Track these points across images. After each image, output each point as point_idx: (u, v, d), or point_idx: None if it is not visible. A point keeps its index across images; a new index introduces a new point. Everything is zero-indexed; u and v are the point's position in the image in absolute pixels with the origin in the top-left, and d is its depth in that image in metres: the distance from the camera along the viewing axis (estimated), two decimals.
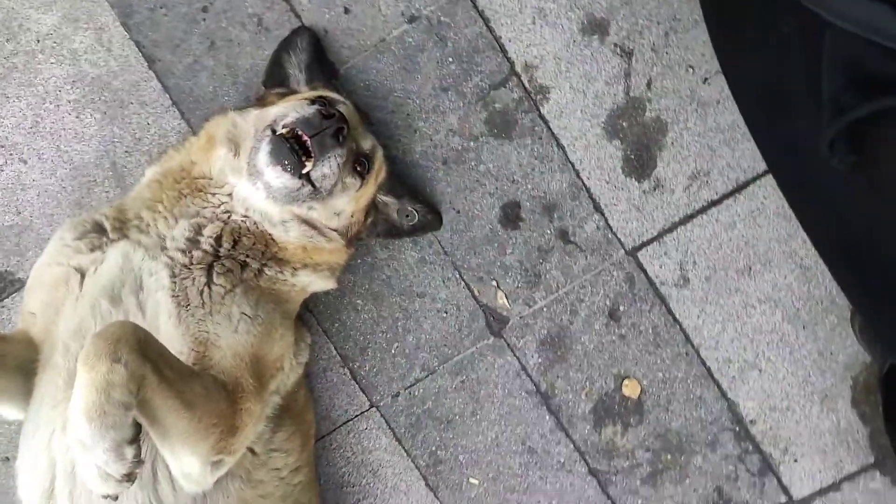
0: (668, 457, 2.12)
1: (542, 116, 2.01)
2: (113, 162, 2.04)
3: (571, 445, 2.12)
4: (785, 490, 2.12)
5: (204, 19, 1.99)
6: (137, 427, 1.29)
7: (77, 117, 2.02)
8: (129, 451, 1.25)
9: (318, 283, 1.87)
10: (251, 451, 1.71)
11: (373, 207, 1.92)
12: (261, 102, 1.87)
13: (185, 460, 1.45)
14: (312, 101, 1.71)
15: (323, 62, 1.97)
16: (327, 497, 2.14)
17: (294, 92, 1.89)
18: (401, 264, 2.08)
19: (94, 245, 1.67)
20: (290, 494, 1.82)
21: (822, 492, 2.12)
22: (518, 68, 2.00)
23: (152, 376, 1.31)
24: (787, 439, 2.11)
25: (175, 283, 1.60)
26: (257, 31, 1.99)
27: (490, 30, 1.99)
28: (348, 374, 2.11)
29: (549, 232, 2.05)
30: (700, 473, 2.13)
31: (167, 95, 2.02)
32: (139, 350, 1.29)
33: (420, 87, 2.01)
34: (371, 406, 2.13)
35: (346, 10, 2.00)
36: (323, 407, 2.13)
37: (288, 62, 1.93)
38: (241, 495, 1.68)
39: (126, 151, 2.04)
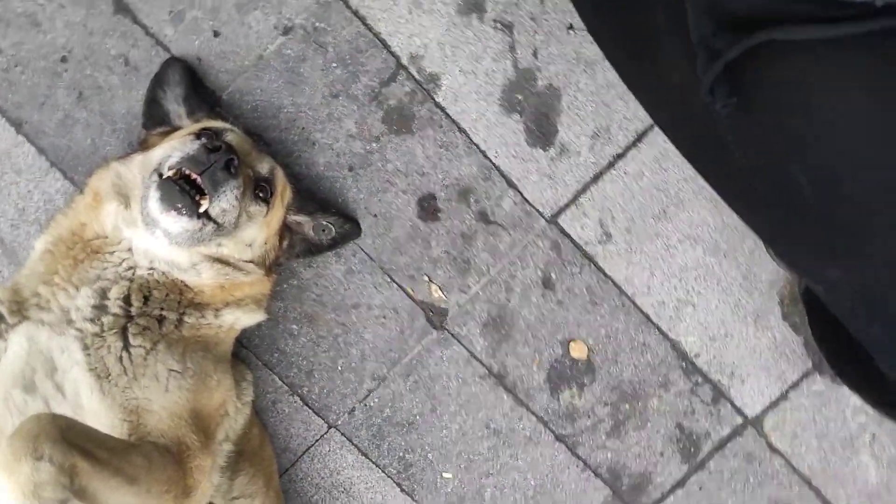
0: (627, 406, 2.16)
1: (438, 105, 1.98)
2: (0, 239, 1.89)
3: (534, 418, 2.13)
4: (739, 411, 2.20)
5: (65, 70, 1.86)
6: None
7: None
8: None
9: (246, 318, 1.79)
10: None
11: (286, 230, 1.84)
12: (144, 146, 1.76)
13: None
14: (197, 136, 1.62)
15: (201, 91, 1.87)
16: None
17: (177, 128, 1.79)
18: (328, 280, 2.02)
19: None
20: None
21: (773, 405, 2.21)
22: (404, 61, 1.96)
23: (83, 463, 1.17)
24: (732, 364, 2.18)
25: (90, 355, 1.49)
26: (126, 72, 1.87)
27: (368, 27, 1.93)
28: (299, 400, 2.05)
29: (468, 217, 2.03)
30: (659, 415, 2.18)
31: (43, 157, 1.88)
32: (62, 440, 1.16)
33: (309, 98, 1.94)
34: (329, 427, 2.07)
35: (216, 34, 1.90)
36: (280, 439, 2.06)
37: (164, 98, 1.82)
38: None
39: (12, 225, 1.89)
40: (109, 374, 1.48)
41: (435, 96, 1.98)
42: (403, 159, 1.99)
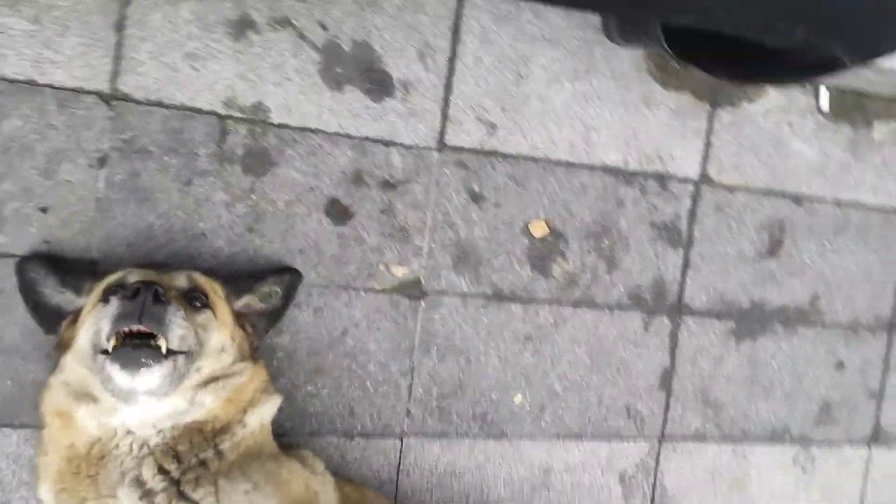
0: (605, 242, 1.87)
1: (278, 126, 1.60)
2: None
3: (546, 305, 1.82)
4: (685, 180, 1.94)
5: None
6: None
7: None
8: None
9: (267, 409, 1.44)
10: None
11: (240, 317, 1.47)
12: (63, 347, 1.36)
13: None
14: (104, 298, 1.27)
15: (72, 266, 1.45)
16: None
17: (79, 311, 1.38)
18: (306, 330, 1.64)
19: None
20: None
21: (705, 156, 1.96)
22: (222, 112, 1.56)
23: None
24: (654, 150, 1.90)
25: None
26: None
27: (170, 107, 1.52)
28: (361, 440, 1.70)
29: (374, 193, 1.67)
30: (633, 229, 1.89)
31: None
32: None
33: (168, 201, 1.53)
34: (401, 439, 1.73)
35: (44, 210, 1.47)
36: (373, 480, 1.72)
37: (45, 297, 1.41)
38: None
39: None
40: None
41: (271, 121, 1.59)
42: (286, 189, 1.61)
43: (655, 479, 1.94)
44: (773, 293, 2.02)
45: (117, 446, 1.25)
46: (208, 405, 1.31)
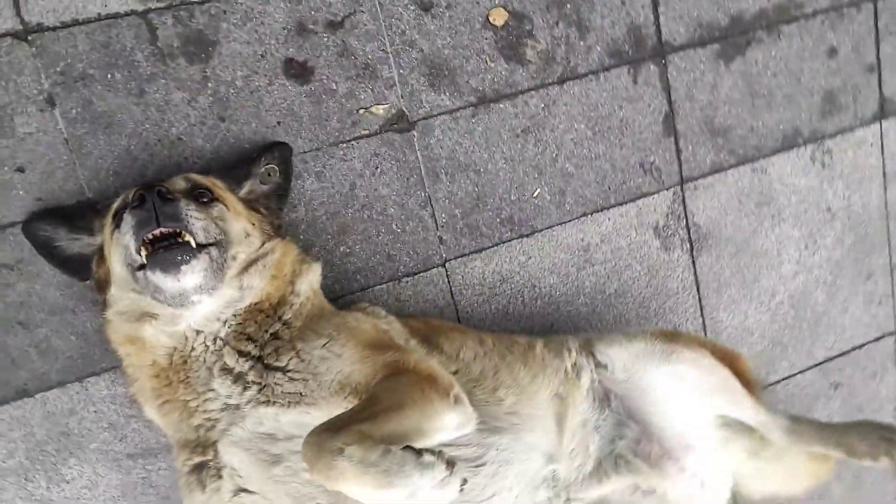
0: (569, 6, 1.80)
1: (201, 2, 1.51)
2: None
3: (533, 92, 1.80)
4: None
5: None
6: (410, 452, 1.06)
7: None
8: (433, 465, 1.05)
9: (311, 277, 1.50)
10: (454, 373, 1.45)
11: (251, 203, 1.49)
12: (101, 281, 1.40)
13: (437, 423, 1.23)
14: (117, 223, 1.29)
15: (74, 212, 1.46)
16: None
17: (99, 248, 1.41)
18: (315, 198, 1.67)
19: (204, 483, 1.28)
20: (493, 359, 1.54)
21: None
22: (139, 7, 1.48)
23: (362, 426, 1.08)
24: None
25: (277, 403, 1.27)
26: (29, 315, 1.46)
27: (85, 23, 1.44)
28: (408, 280, 1.77)
29: (324, 40, 1.61)
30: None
31: (63, 391, 1.52)
32: (337, 432, 1.07)
33: (132, 117, 1.50)
34: (443, 265, 1.80)
35: (21, 170, 1.45)
36: (432, 311, 1.80)
37: (62, 250, 1.44)
38: (482, 397, 1.44)
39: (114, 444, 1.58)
40: (303, 393, 1.26)
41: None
42: (237, 65, 1.56)
43: (687, 220, 2.02)
44: (747, 1, 1.97)
45: (193, 348, 1.32)
46: (257, 286, 1.37)
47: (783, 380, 2.18)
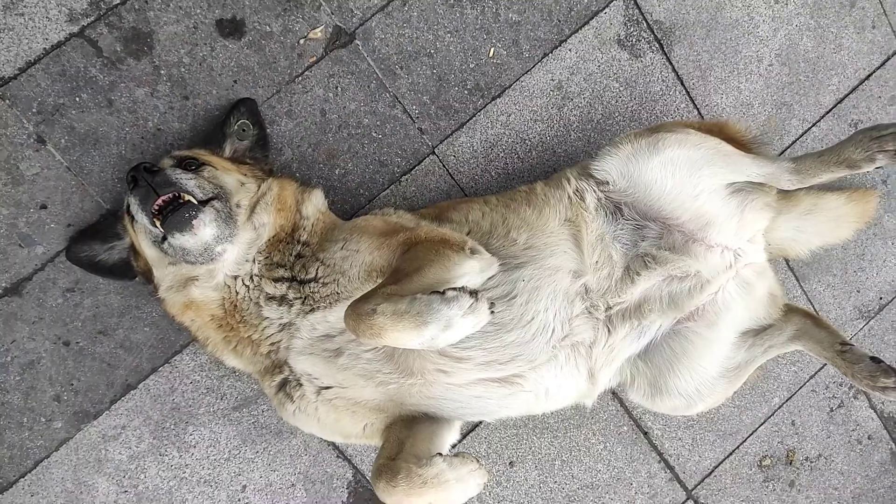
0: None
1: (122, 2, 1.66)
2: None
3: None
4: None
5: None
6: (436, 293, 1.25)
7: None
8: (458, 297, 1.24)
9: (315, 201, 1.68)
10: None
11: (237, 160, 1.68)
12: (145, 272, 1.63)
13: (457, 271, 1.41)
14: (128, 209, 1.51)
15: (103, 224, 1.68)
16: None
17: (132, 245, 1.63)
18: (292, 134, 1.82)
19: (291, 394, 1.53)
20: (500, 211, 1.69)
21: None
22: (75, 29, 1.64)
23: (390, 288, 1.30)
24: None
25: (316, 309, 1.48)
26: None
27: (38, 61, 1.62)
28: (405, 177, 1.91)
29: None
30: None
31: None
32: (368, 299, 1.28)
33: (111, 126, 1.69)
34: (433, 151, 1.93)
35: (44, 206, 1.67)
36: (440, 192, 1.95)
37: (104, 262, 1.67)
38: (497, 244, 1.62)
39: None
40: (338, 291, 1.47)
41: (114, 3, 1.65)
42: (178, 45, 1.71)
43: (647, 21, 2.05)
44: None
45: (237, 291, 1.53)
46: (268, 221, 1.55)
47: (799, 138, 2.22)
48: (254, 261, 1.53)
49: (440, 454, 1.35)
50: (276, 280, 1.52)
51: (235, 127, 1.70)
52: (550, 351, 1.54)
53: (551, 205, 1.67)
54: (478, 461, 1.36)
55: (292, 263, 1.54)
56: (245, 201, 1.55)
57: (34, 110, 1.64)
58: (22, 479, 1.73)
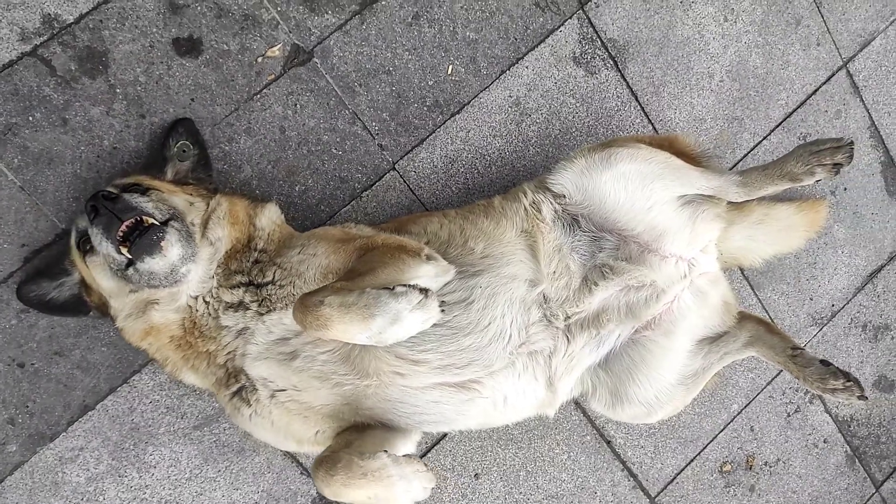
0: None
1: (77, 21, 1.67)
2: None
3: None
4: None
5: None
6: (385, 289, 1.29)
7: None
8: (406, 292, 1.28)
9: (268, 213, 1.68)
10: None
11: (181, 182, 1.68)
12: (100, 306, 1.62)
13: (410, 275, 1.44)
14: (83, 249, 1.53)
15: (50, 260, 1.67)
16: None
17: (82, 280, 1.61)
18: (251, 151, 1.83)
19: (247, 399, 1.54)
20: (458, 222, 1.72)
21: None
22: (27, 48, 1.64)
23: (340, 283, 1.34)
24: None
25: (273, 310, 1.49)
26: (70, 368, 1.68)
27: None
28: (365, 193, 1.94)
29: (198, 8, 1.75)
30: None
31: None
32: (317, 292, 1.31)
33: (66, 145, 1.68)
34: (393, 167, 1.96)
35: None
36: (401, 207, 1.98)
37: (54, 300, 1.64)
38: (454, 253, 1.64)
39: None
40: (294, 293, 1.48)
41: (67, 22, 1.66)
42: (133, 63, 1.72)
43: (601, 39, 2.12)
44: None
45: (196, 310, 1.53)
46: (223, 235, 1.56)
47: (751, 151, 2.30)
48: (213, 278, 1.54)
49: (385, 451, 1.34)
50: (233, 287, 1.52)
51: (175, 149, 1.69)
52: (507, 357, 1.57)
53: (508, 216, 1.70)
54: (425, 465, 1.36)
55: (249, 269, 1.55)
56: (197, 219, 1.56)
57: None
58: None
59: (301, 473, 1.93)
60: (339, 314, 1.22)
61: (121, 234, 1.40)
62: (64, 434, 1.74)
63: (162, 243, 1.41)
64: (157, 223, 1.43)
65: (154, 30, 1.72)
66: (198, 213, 1.56)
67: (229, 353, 1.50)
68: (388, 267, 1.39)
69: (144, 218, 1.42)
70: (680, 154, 1.77)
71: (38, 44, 1.65)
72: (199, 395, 1.82)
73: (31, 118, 1.66)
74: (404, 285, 1.27)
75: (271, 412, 1.51)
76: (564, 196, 1.72)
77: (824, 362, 1.67)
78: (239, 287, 1.51)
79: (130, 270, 1.44)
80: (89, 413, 1.75)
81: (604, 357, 1.74)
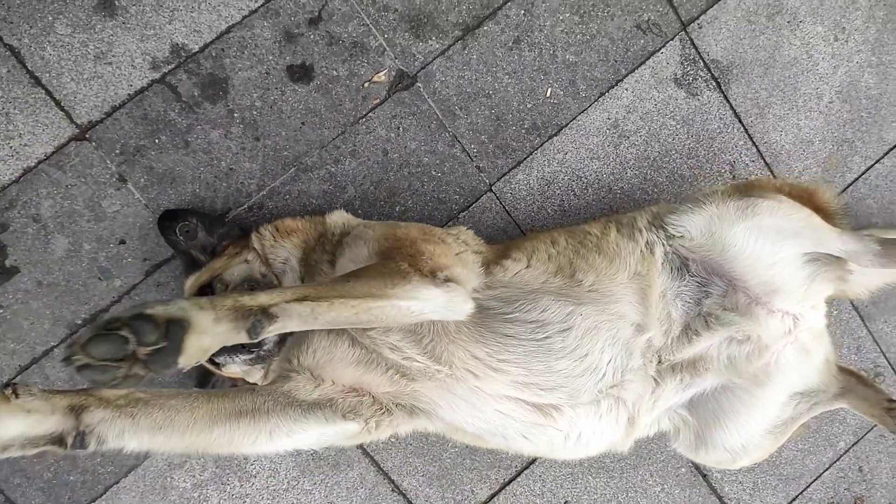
0: None
1: (201, 50, 1.76)
2: None
3: (513, 6, 1.93)
4: None
5: None
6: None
7: None
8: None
9: (333, 218, 1.70)
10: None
11: (214, 252, 1.70)
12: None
13: (419, 297, 1.32)
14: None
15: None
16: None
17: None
18: (355, 174, 1.88)
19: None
20: (568, 255, 1.64)
21: None
22: (157, 76, 1.74)
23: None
24: None
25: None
26: None
27: (122, 106, 1.73)
28: (463, 214, 1.95)
29: (311, 36, 1.82)
30: None
31: None
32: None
33: (186, 166, 1.78)
34: (490, 188, 1.97)
35: (123, 242, 1.77)
36: (498, 229, 1.98)
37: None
38: (558, 283, 1.57)
39: None
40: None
41: (193, 51, 1.76)
42: (251, 90, 1.80)
43: (703, 60, 2.07)
44: None
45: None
46: (287, 253, 1.63)
47: (861, 175, 2.19)
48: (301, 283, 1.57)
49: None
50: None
51: (181, 236, 1.68)
52: (596, 394, 1.50)
53: (622, 257, 1.61)
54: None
55: (328, 251, 1.57)
56: (261, 268, 1.61)
57: (117, 151, 1.75)
58: None
59: (392, 490, 1.94)
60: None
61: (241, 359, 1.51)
62: None
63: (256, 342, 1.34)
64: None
65: (270, 57, 1.80)
66: (256, 261, 1.61)
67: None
68: (378, 277, 1.29)
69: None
70: (818, 208, 1.66)
71: (166, 72, 1.75)
72: None
73: (157, 140, 1.77)
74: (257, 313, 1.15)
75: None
76: (684, 237, 1.62)
77: None
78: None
79: (261, 352, 1.53)
80: None
81: (689, 399, 1.66)
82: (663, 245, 1.63)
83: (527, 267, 1.58)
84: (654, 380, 1.58)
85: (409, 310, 1.29)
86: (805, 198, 1.67)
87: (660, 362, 1.59)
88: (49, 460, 1.78)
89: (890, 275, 1.97)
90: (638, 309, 1.56)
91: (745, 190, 1.64)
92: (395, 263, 1.33)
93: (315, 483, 1.90)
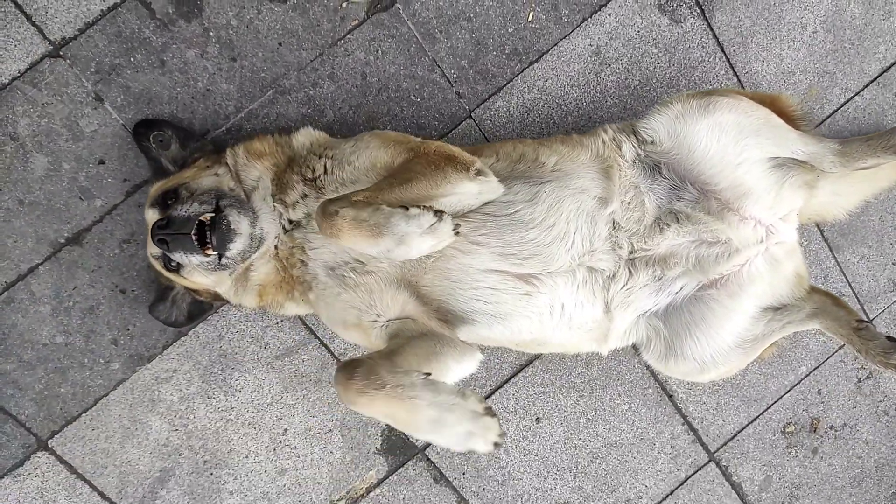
0: None
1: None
2: None
3: None
4: None
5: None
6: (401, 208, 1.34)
7: None
8: (420, 215, 1.34)
9: (302, 134, 1.71)
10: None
11: (186, 162, 1.70)
12: (214, 297, 1.75)
13: (449, 189, 1.47)
14: (168, 268, 1.63)
15: (156, 300, 1.79)
16: None
17: (182, 288, 1.76)
18: (334, 97, 1.88)
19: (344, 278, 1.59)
20: (531, 144, 1.71)
21: None
22: None
23: (362, 194, 1.38)
24: None
25: (330, 190, 1.56)
26: None
27: (96, 22, 1.70)
28: (444, 140, 1.96)
29: None
30: None
31: None
32: (336, 200, 1.38)
33: (163, 85, 1.76)
34: (469, 114, 1.97)
35: (102, 162, 1.77)
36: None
37: (168, 314, 1.79)
38: (523, 168, 1.65)
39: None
40: (344, 176, 1.55)
41: None
42: (226, 7, 1.77)
43: None
44: None
45: (280, 246, 1.60)
46: (257, 174, 1.63)
47: (840, 107, 2.19)
48: (274, 209, 1.59)
49: (427, 374, 1.24)
50: (295, 203, 1.57)
51: (154, 144, 1.68)
52: (569, 262, 1.58)
53: (584, 144, 1.70)
54: (488, 406, 1.20)
55: (301, 177, 1.58)
56: (231, 182, 1.61)
57: (92, 70, 1.73)
58: (84, 415, 1.88)
59: None
60: (350, 228, 1.29)
61: (195, 240, 1.46)
62: (160, 356, 1.89)
63: (232, 226, 1.48)
64: (213, 213, 1.48)
65: None
66: (226, 176, 1.62)
67: (299, 256, 1.58)
68: (424, 179, 1.41)
69: (201, 218, 1.47)
70: (780, 114, 1.70)
71: None
72: (281, 328, 1.93)
73: (132, 59, 1.75)
74: (420, 207, 1.31)
75: (338, 294, 1.54)
76: (654, 142, 1.69)
77: (890, 338, 1.63)
78: (298, 202, 1.57)
79: (223, 261, 1.52)
80: (182, 338, 1.89)
81: (663, 308, 1.73)
82: (635, 147, 1.70)
83: (496, 161, 1.64)
84: (628, 268, 1.65)
85: (458, 201, 1.47)
86: (767, 102, 1.71)
87: (633, 250, 1.65)
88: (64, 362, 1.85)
89: (868, 188, 2.01)
90: (601, 184, 1.64)
91: (708, 92, 1.69)
92: (437, 164, 1.47)
93: (298, 398, 1.99)
